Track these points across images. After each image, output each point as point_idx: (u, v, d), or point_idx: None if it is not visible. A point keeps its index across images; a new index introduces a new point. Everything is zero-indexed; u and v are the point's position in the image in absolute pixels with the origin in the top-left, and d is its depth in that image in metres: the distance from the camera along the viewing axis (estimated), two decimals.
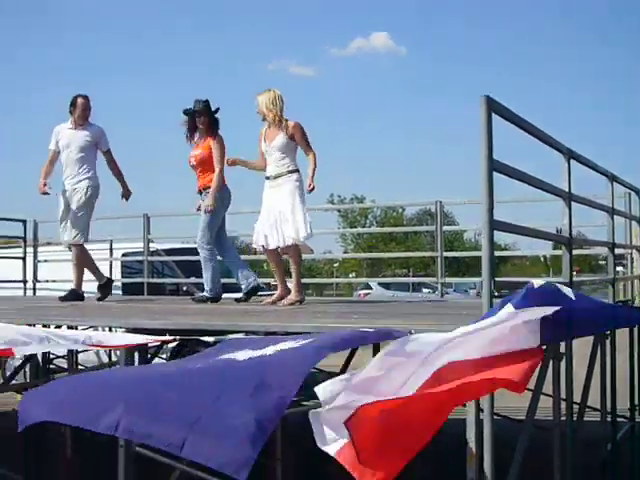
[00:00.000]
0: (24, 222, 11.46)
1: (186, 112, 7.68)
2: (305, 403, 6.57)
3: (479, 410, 3.56)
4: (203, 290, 7.70)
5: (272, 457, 5.46)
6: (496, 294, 3.72)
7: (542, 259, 48.23)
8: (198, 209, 7.77)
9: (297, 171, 6.95)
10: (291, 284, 7.06)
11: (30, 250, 11.65)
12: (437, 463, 6.29)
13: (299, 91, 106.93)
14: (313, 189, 6.82)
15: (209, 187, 7.51)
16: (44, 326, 5.96)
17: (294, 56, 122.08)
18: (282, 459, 5.46)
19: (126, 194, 8.35)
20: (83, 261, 8.21)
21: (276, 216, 6.80)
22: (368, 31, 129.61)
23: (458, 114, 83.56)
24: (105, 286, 8.36)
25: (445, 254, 9.41)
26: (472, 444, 3.54)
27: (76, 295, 8.10)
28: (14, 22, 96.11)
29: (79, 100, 8.05)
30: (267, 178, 6.98)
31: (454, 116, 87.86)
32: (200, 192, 7.73)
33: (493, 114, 3.71)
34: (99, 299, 8.24)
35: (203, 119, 7.59)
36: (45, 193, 8.17)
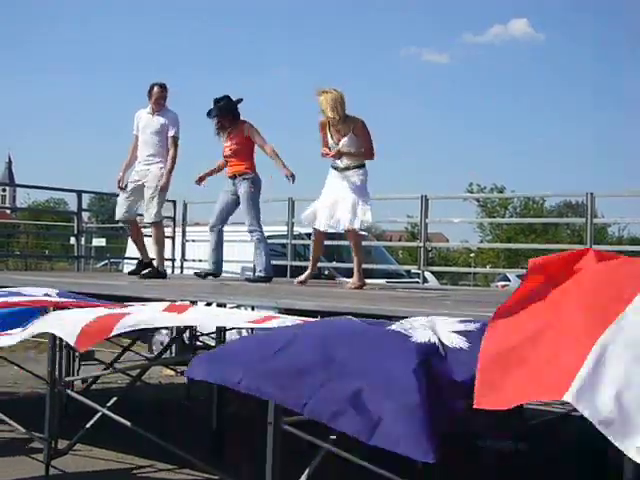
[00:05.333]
0: (174, 203, 11.87)
1: (209, 115, 8.34)
2: None
3: None
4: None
5: None
6: None
7: None
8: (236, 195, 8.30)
9: (363, 165, 7.30)
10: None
11: (179, 230, 12.04)
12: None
13: (433, 78, 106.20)
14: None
15: (244, 173, 8.18)
16: (192, 302, 6.17)
17: (428, 43, 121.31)
18: None
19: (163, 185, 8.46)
20: (162, 239, 8.73)
21: (339, 203, 7.15)
22: (507, 17, 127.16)
23: (600, 104, 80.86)
24: (144, 266, 8.70)
25: (595, 247, 9.07)
26: None
27: (158, 273, 8.46)
28: None
29: (155, 89, 8.42)
30: (334, 168, 7.30)
31: (594, 107, 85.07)
32: (234, 177, 8.27)
33: None
34: (132, 272, 8.79)
35: (224, 117, 8.27)
36: (121, 188, 8.55)
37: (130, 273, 8.82)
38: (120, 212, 8.55)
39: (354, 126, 7.19)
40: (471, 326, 3.53)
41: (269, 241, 12.02)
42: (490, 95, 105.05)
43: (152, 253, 8.67)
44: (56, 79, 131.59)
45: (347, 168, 7.24)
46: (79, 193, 11.39)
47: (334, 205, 7.18)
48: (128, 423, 5.00)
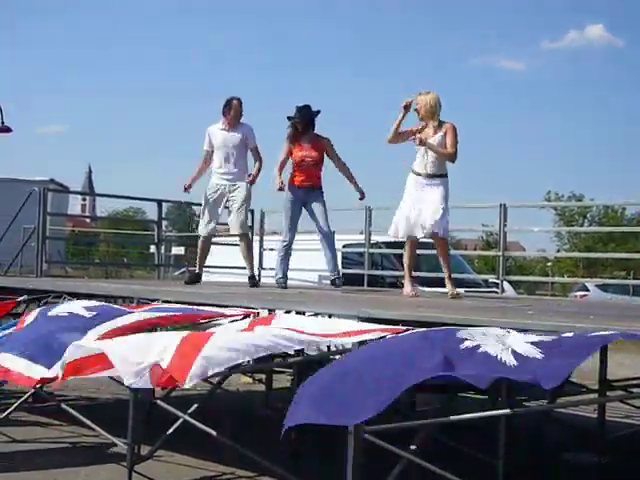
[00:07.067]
0: (252, 212, 11.95)
1: (289, 118, 8.48)
2: (527, 404, 6.46)
3: None
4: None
5: (495, 455, 5.37)
6: None
7: None
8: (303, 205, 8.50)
9: (447, 175, 7.38)
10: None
11: (256, 238, 12.12)
12: None
13: (509, 85, 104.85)
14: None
15: (320, 187, 8.49)
16: (270, 311, 6.20)
17: (502, 50, 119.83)
18: (505, 458, 5.35)
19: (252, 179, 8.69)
20: (251, 248, 9.19)
21: (427, 210, 7.18)
22: (583, 23, 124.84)
23: None
24: (197, 276, 8.94)
25: None
26: None
27: (255, 280, 8.88)
28: None
29: (234, 102, 8.57)
30: (418, 174, 7.32)
31: None
32: (310, 188, 8.45)
33: None
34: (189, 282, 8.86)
35: (301, 123, 8.40)
36: (187, 192, 8.94)
37: (187, 282, 8.93)
38: (206, 227, 8.77)
39: (446, 127, 7.30)
40: (545, 338, 3.76)
41: (346, 250, 12.13)
42: (566, 102, 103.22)
43: (244, 262, 8.90)
44: (136, 88, 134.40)
45: (432, 175, 7.29)
46: (159, 202, 11.58)
47: (422, 211, 7.23)
48: (210, 430, 5.05)
